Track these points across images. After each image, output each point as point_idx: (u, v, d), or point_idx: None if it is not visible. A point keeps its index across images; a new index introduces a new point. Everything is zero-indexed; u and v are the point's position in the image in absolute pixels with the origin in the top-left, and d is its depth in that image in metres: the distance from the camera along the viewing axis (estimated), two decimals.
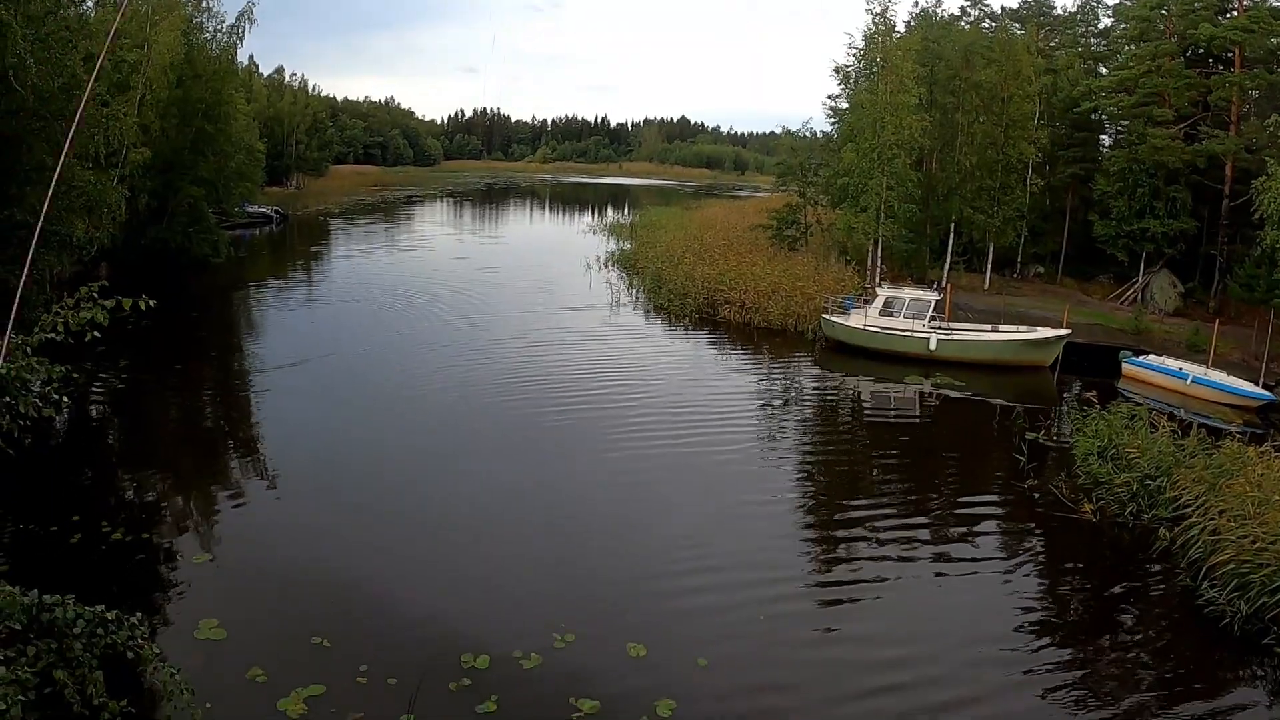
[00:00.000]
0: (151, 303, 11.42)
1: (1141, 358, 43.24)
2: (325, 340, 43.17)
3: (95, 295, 11.18)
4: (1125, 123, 58.37)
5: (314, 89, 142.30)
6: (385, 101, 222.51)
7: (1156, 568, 23.71)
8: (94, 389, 32.87)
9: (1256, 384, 39.37)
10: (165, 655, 11.05)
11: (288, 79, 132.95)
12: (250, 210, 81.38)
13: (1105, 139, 65.17)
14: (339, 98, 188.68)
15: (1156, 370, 41.92)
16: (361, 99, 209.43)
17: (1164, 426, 29.54)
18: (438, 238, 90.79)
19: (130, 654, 11.09)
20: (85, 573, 19.42)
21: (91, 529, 21.39)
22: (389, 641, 17.97)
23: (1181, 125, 54.69)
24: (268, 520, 23.42)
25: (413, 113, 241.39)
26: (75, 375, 14.70)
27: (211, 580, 20.12)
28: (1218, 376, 39.88)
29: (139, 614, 11.57)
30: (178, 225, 56.59)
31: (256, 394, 34.58)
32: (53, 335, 10.90)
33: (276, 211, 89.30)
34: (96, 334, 11.19)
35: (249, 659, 16.89)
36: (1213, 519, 23.26)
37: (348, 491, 25.60)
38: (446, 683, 16.73)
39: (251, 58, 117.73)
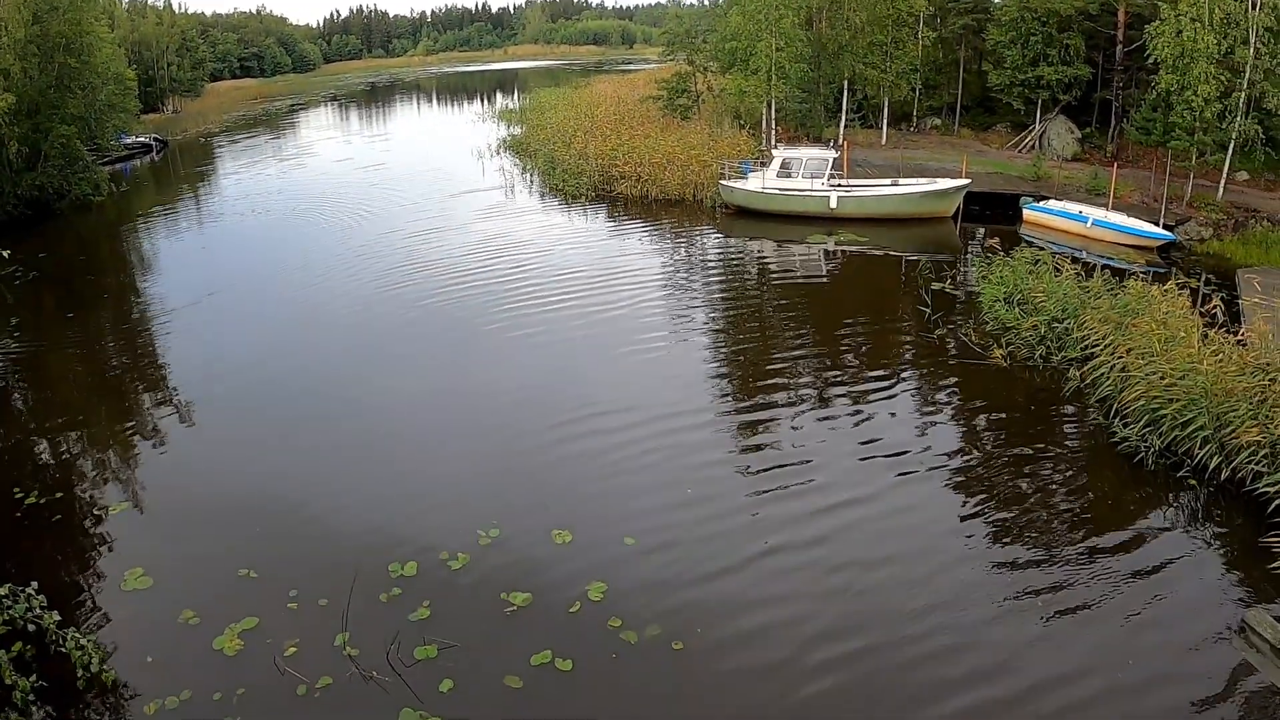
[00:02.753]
0: (4, 254, 10.68)
1: (1042, 203, 43.39)
2: (219, 266, 41.37)
3: None
4: None
5: (180, 7, 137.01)
6: (256, 11, 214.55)
7: (1069, 408, 24.08)
8: None
9: (1156, 224, 39.70)
10: (73, 617, 10.51)
11: (150, 1, 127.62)
12: (128, 141, 77.63)
13: None
14: (207, 13, 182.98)
15: (1057, 215, 42.14)
16: (231, 11, 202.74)
17: (1068, 270, 29.88)
18: (324, 142, 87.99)
19: (31, 626, 10.50)
20: (2, 545, 18.64)
21: (3, 498, 20.50)
22: (316, 563, 17.79)
23: None
24: (184, 459, 22.65)
25: (286, 19, 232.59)
26: None
27: (133, 529, 19.51)
28: (1118, 218, 40.15)
29: (34, 584, 10.91)
30: (53, 168, 53.56)
31: (158, 332, 32.85)
32: None
33: (155, 139, 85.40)
34: None
35: (179, 602, 16.54)
36: (1121, 357, 23.66)
37: (259, 418, 24.84)
38: (377, 595, 16.65)
39: None
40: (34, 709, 10.71)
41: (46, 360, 30.32)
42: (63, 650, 10.76)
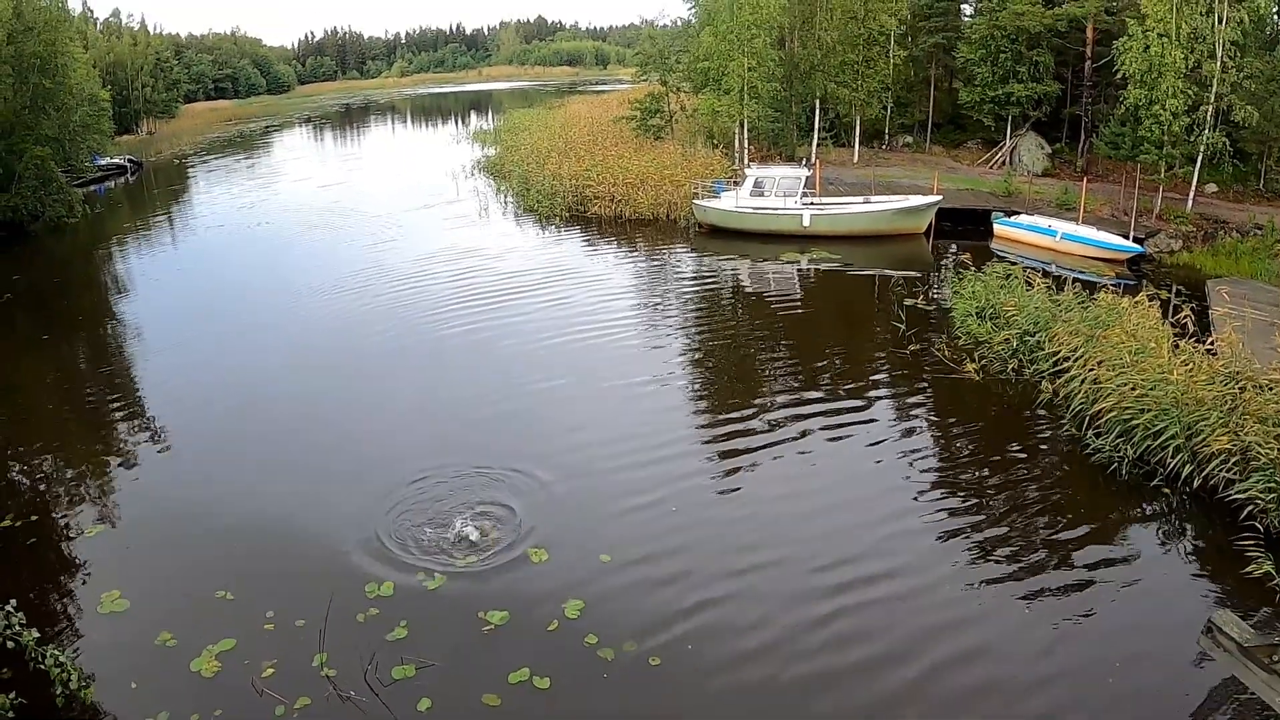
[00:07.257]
0: None
1: (1013, 218, 43.75)
2: (192, 287, 41.42)
3: None
4: None
5: (155, 28, 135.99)
6: (231, 33, 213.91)
7: (1042, 420, 24.26)
8: None
9: (1126, 237, 40.09)
10: (50, 640, 10.47)
11: (125, 21, 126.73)
12: (102, 163, 76.90)
13: (966, 8, 65.27)
14: (182, 34, 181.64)
15: (1027, 229, 42.52)
16: (206, 32, 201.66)
17: (1039, 283, 30.08)
18: (298, 163, 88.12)
19: (10, 644, 10.47)
20: None
21: None
22: (292, 584, 17.67)
23: None
24: (160, 481, 22.47)
25: (261, 41, 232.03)
26: None
27: (109, 551, 19.36)
28: (1087, 231, 40.58)
29: (13, 601, 10.85)
30: (27, 190, 53.20)
31: (132, 354, 32.80)
32: None
33: (130, 160, 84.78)
34: None
35: (156, 625, 16.39)
36: (1092, 369, 23.80)
37: (235, 438, 24.73)
38: (354, 615, 16.54)
39: (85, 3, 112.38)
40: None
41: (21, 383, 30.10)
42: (42, 667, 10.73)
